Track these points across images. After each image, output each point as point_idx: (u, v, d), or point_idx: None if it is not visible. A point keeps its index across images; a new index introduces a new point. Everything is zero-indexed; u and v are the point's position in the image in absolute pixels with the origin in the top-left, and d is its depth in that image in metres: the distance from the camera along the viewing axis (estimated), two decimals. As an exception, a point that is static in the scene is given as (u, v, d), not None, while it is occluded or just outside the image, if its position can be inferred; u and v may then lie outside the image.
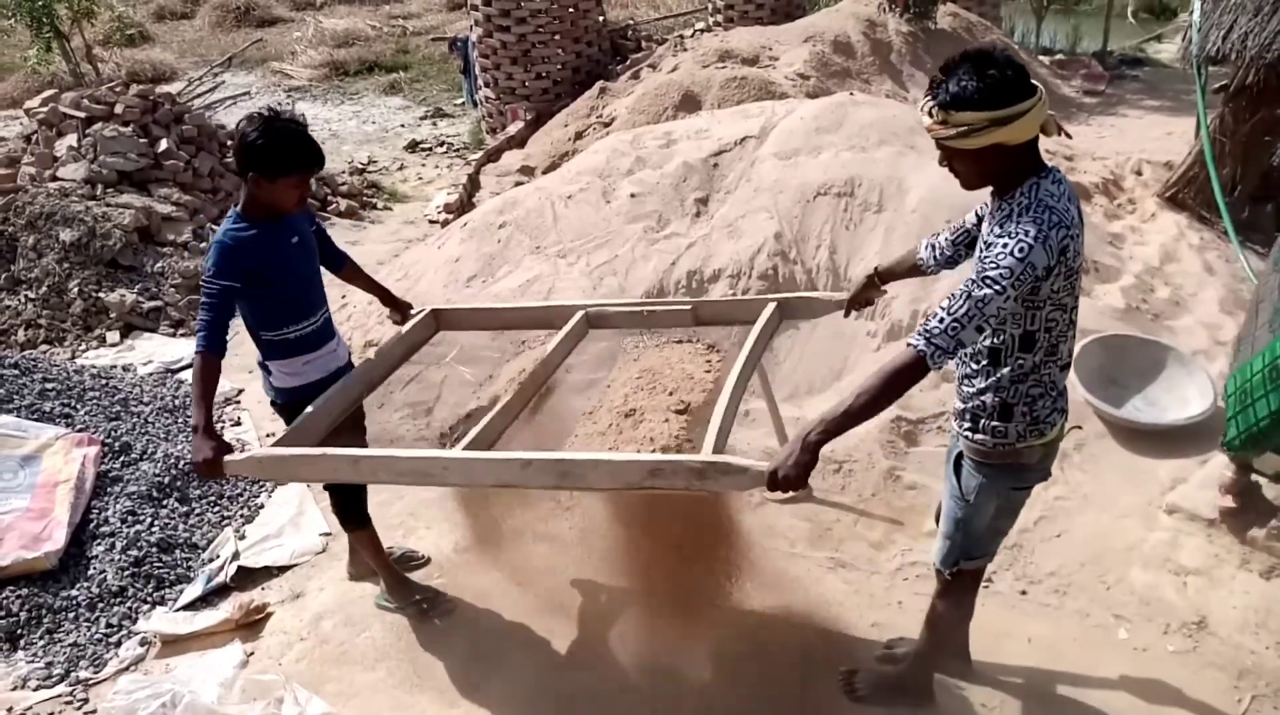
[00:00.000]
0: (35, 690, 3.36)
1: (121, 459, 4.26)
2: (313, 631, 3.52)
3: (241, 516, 4.18)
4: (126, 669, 3.45)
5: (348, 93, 12.81)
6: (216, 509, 4.20)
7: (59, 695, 3.34)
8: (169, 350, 5.80)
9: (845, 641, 3.32)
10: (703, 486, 2.52)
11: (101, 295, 6.13)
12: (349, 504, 3.40)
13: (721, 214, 5.26)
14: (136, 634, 3.59)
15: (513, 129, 9.46)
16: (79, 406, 4.60)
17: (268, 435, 4.80)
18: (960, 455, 2.60)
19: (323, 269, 3.28)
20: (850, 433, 2.41)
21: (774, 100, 7.11)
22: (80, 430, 4.30)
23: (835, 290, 4.85)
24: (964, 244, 2.71)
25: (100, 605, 3.66)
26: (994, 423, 2.45)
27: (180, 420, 4.83)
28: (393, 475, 2.90)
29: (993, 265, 2.18)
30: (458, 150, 10.17)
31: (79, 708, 3.30)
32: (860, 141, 5.38)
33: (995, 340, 2.38)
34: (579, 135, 8.52)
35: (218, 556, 3.92)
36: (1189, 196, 5.90)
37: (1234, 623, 3.26)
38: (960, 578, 2.75)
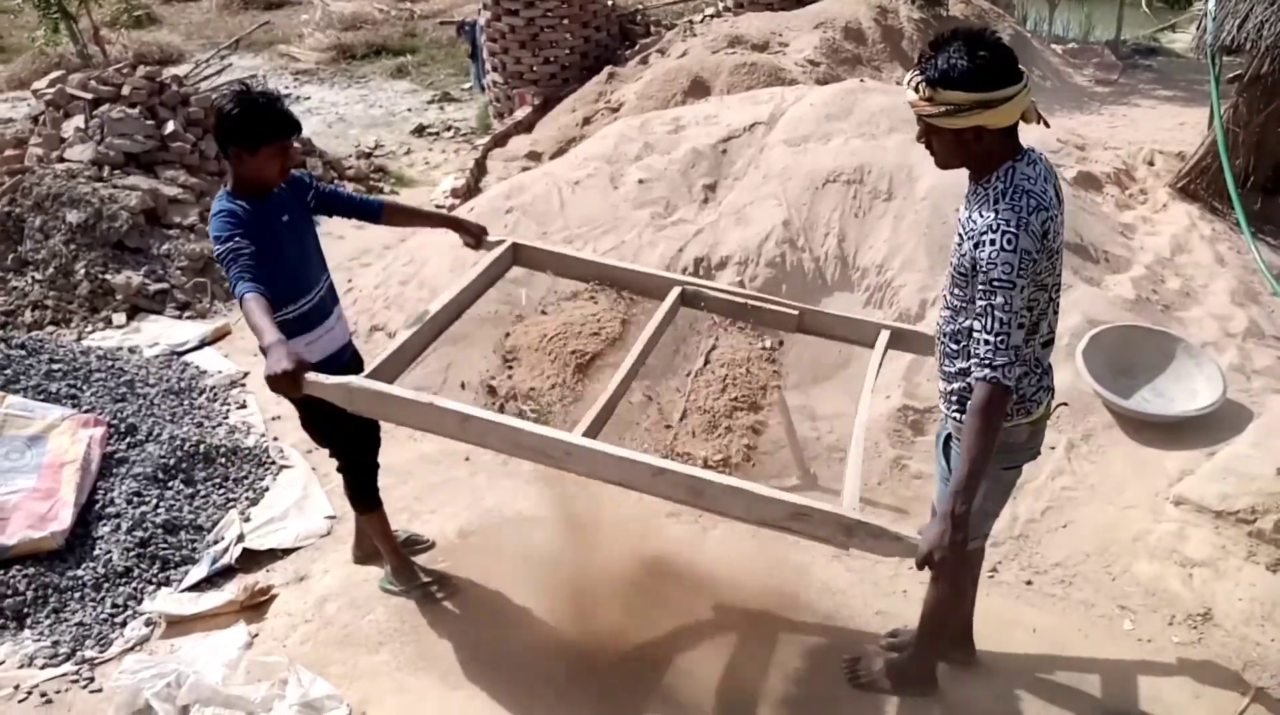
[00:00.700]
0: (42, 668, 3.37)
1: (127, 440, 4.27)
2: (317, 614, 3.53)
3: (247, 499, 4.19)
4: (132, 649, 3.46)
5: (355, 76, 12.77)
6: (222, 491, 4.21)
7: (65, 674, 3.36)
8: (175, 332, 5.80)
9: (850, 629, 3.33)
10: (847, 543, 2.44)
11: (108, 277, 6.13)
12: (362, 487, 3.40)
13: (730, 201, 5.24)
14: (142, 614, 3.60)
15: (520, 114, 9.42)
16: (85, 388, 4.60)
17: (274, 418, 4.81)
18: (949, 437, 2.61)
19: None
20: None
21: (784, 86, 7.07)
22: (86, 411, 4.31)
23: (843, 278, 4.83)
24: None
25: (106, 585, 3.67)
26: None
27: (186, 402, 4.84)
28: (506, 446, 2.66)
29: (991, 267, 2.21)
30: (465, 135, 10.14)
31: (85, 686, 3.31)
32: (870, 129, 5.35)
33: (972, 320, 2.37)
34: (587, 121, 8.48)
35: (223, 538, 3.93)
36: (1201, 187, 5.86)
37: (1240, 615, 3.26)
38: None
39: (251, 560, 3.85)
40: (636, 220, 5.24)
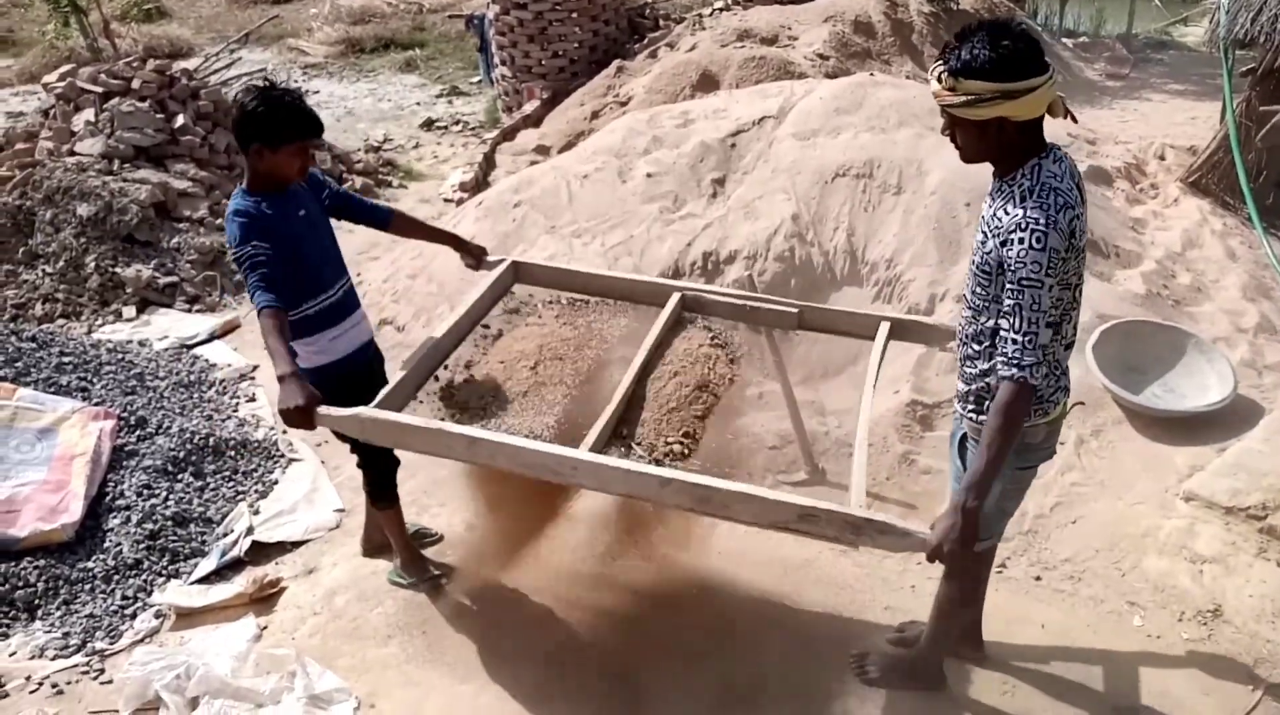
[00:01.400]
0: (53, 659, 3.39)
1: (137, 433, 4.28)
2: (326, 606, 3.54)
3: (256, 492, 4.20)
4: (141, 640, 3.48)
5: (364, 70, 12.77)
6: (231, 484, 4.22)
7: (75, 665, 3.38)
8: (185, 326, 5.82)
9: (857, 624, 3.32)
10: (854, 541, 2.46)
11: (118, 270, 6.15)
12: (382, 481, 3.41)
13: (738, 195, 5.23)
14: (151, 606, 3.62)
15: (529, 108, 9.41)
16: (95, 380, 4.62)
17: (282, 411, 4.81)
18: (965, 436, 2.60)
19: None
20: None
21: (793, 80, 7.05)
22: (97, 404, 4.32)
23: (852, 273, 4.82)
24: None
25: (116, 577, 3.69)
26: None
27: (196, 395, 4.85)
28: (514, 464, 2.72)
29: (1020, 265, 2.18)
30: (473, 129, 10.13)
31: (95, 677, 3.33)
32: (880, 123, 5.33)
33: (996, 320, 2.36)
34: (595, 114, 8.46)
35: (232, 531, 3.94)
36: (1212, 182, 5.83)
37: (1250, 611, 3.24)
38: (967, 559, 2.74)
39: (260, 553, 3.87)
40: (645, 214, 5.24)
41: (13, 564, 3.63)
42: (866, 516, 2.42)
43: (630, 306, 3.56)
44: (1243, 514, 3.49)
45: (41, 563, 3.66)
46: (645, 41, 9.79)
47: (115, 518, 3.88)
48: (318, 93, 11.70)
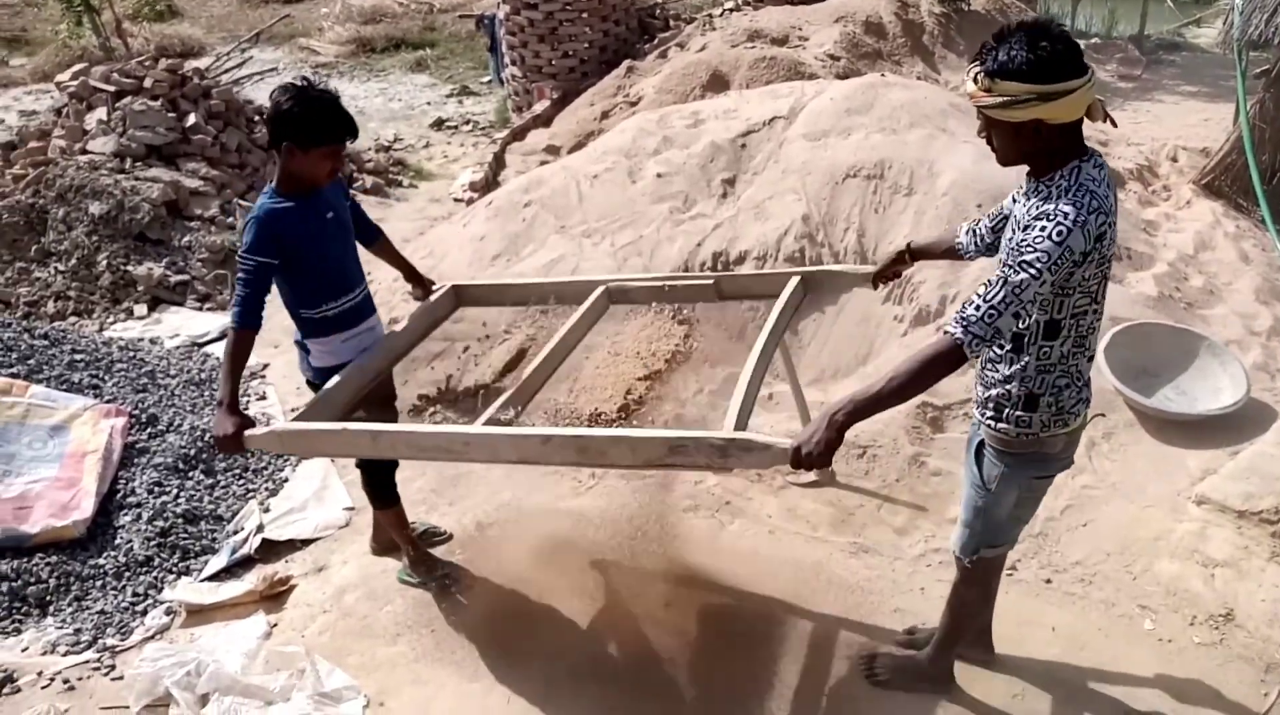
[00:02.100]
0: (64, 655, 3.41)
1: (148, 430, 4.30)
2: (335, 604, 3.55)
3: (266, 490, 4.21)
4: (152, 637, 3.49)
5: (374, 69, 12.80)
6: (241, 482, 4.24)
7: (87, 661, 3.39)
8: (196, 324, 5.85)
9: (867, 626, 3.31)
10: (724, 464, 2.50)
11: (129, 268, 6.17)
12: (379, 482, 3.42)
13: (749, 195, 5.22)
14: (162, 603, 3.63)
15: (539, 107, 9.41)
16: (107, 378, 4.64)
17: (292, 409, 4.83)
18: (982, 443, 2.57)
19: (379, 222, 3.30)
20: (876, 417, 2.37)
21: (803, 81, 7.03)
22: (108, 401, 4.34)
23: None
24: (1004, 230, 2.66)
25: (127, 574, 3.71)
26: (1018, 412, 2.42)
27: (206, 393, 4.87)
28: (414, 451, 2.88)
29: (1029, 248, 2.12)
30: (484, 128, 10.15)
31: (106, 673, 3.34)
32: (891, 123, 5.31)
33: (1019, 326, 2.32)
34: (605, 114, 8.46)
35: (242, 529, 3.95)
36: (1226, 184, 5.80)
37: (1262, 615, 3.22)
38: (981, 565, 2.73)
39: (271, 551, 3.88)
40: (655, 214, 5.24)
41: (25, 560, 3.66)
42: (730, 437, 2.46)
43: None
44: (1255, 518, 3.47)
45: (53, 559, 3.68)
46: (655, 42, 9.79)
47: (126, 515, 3.90)
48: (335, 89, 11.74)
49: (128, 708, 3.16)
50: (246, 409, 4.83)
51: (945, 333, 2.19)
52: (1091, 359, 2.44)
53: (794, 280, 3.37)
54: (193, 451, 4.23)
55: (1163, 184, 6.01)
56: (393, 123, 10.45)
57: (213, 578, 3.74)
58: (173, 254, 6.39)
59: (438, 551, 3.72)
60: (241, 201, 6.94)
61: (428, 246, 5.93)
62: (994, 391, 2.45)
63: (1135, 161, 6.11)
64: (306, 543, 3.94)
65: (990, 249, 2.70)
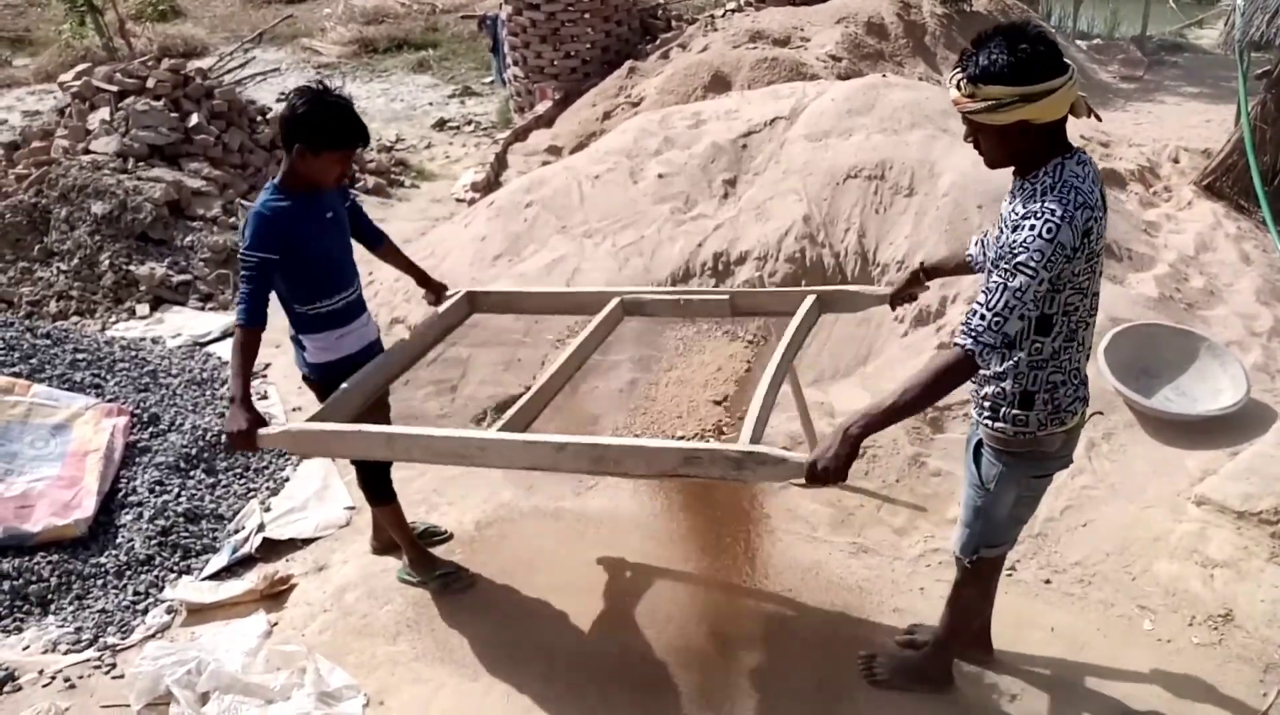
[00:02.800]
0: (65, 654, 3.42)
1: (150, 430, 4.31)
2: (336, 603, 3.56)
3: (267, 489, 4.22)
4: (153, 636, 3.50)
5: (376, 70, 12.82)
6: (243, 481, 4.24)
7: (88, 659, 3.40)
8: (198, 323, 5.86)
9: (866, 626, 3.31)
10: (739, 477, 2.49)
11: (132, 268, 6.19)
12: (375, 480, 3.43)
13: (750, 196, 5.23)
14: (163, 602, 3.64)
15: (541, 108, 9.42)
16: (109, 377, 4.65)
17: (294, 409, 4.85)
18: (980, 443, 2.58)
19: (357, 246, 3.31)
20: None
21: (805, 81, 7.04)
22: (110, 401, 4.35)
23: (863, 275, 4.82)
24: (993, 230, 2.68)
25: (128, 573, 3.71)
26: (1015, 411, 2.43)
27: (208, 392, 4.88)
28: (428, 455, 2.88)
29: (1022, 250, 2.14)
30: (485, 129, 10.16)
31: (107, 672, 3.35)
32: (892, 124, 5.32)
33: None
34: (607, 115, 8.48)
35: (243, 528, 3.96)
36: (1227, 185, 5.80)
37: (1261, 616, 3.22)
38: (980, 565, 2.74)
39: (271, 550, 3.89)
40: (656, 215, 5.24)
41: (26, 559, 3.66)
42: (746, 450, 2.46)
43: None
44: (1255, 518, 3.47)
45: (55, 558, 3.69)
46: (657, 42, 9.80)
47: (128, 514, 3.91)
48: (350, 95, 11.77)
49: (128, 706, 3.16)
50: (251, 408, 4.84)
51: (955, 345, 2.21)
52: (1088, 356, 2.44)
53: (810, 299, 3.34)
54: (194, 451, 4.24)
55: (1164, 185, 6.01)
56: (395, 123, 10.46)
57: (213, 576, 3.75)
58: (175, 254, 6.41)
59: (438, 551, 3.73)
60: (244, 202, 6.95)
61: (429, 246, 5.95)
62: (989, 389, 2.47)
63: (1136, 162, 6.11)
64: (307, 542, 3.94)
65: None
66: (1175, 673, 3.07)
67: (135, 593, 3.65)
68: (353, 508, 4.10)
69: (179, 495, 4.02)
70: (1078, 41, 11.25)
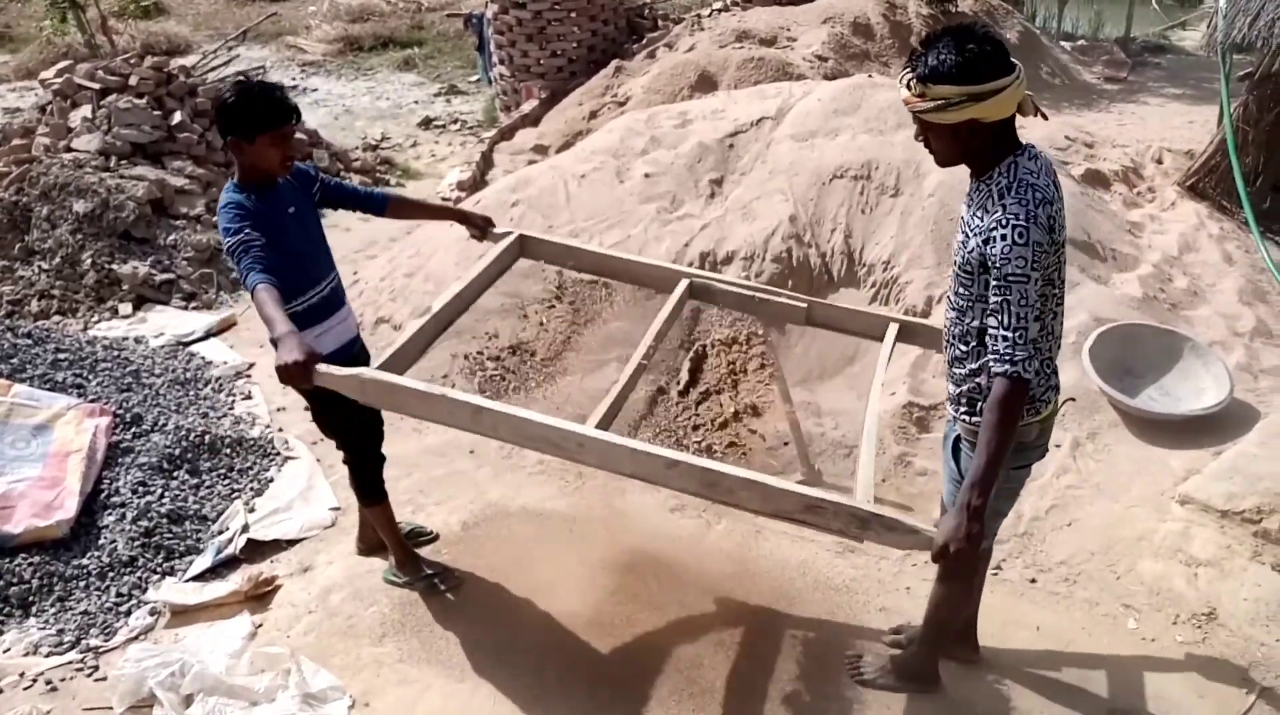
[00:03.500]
0: (47, 656, 3.38)
1: (133, 430, 4.27)
2: (321, 605, 3.54)
3: (251, 489, 4.19)
4: (136, 638, 3.47)
5: (362, 68, 12.76)
6: (226, 482, 4.21)
7: (70, 662, 3.37)
8: (181, 323, 5.81)
9: (853, 625, 3.32)
10: (861, 536, 2.43)
11: (114, 267, 6.14)
12: (368, 479, 3.40)
13: (736, 195, 5.23)
14: (146, 603, 3.61)
15: (527, 107, 9.41)
16: (91, 377, 4.61)
17: (279, 409, 4.81)
18: (959, 439, 2.60)
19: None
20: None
21: (791, 81, 7.05)
22: (92, 401, 4.31)
23: (849, 275, 4.83)
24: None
25: (111, 574, 3.68)
26: None
27: (191, 392, 4.85)
28: (516, 436, 2.68)
29: (1004, 261, 2.20)
30: (471, 128, 10.13)
31: (89, 674, 3.32)
32: (878, 124, 5.33)
33: (981, 320, 2.37)
34: (594, 114, 8.47)
35: (227, 529, 3.93)
36: (1210, 185, 5.84)
37: (1244, 615, 3.25)
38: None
39: (256, 551, 3.86)
40: (642, 214, 5.24)
41: (7, 560, 3.62)
42: (874, 511, 2.41)
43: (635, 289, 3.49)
44: (1238, 517, 3.50)
45: (36, 559, 3.65)
46: (644, 42, 9.80)
47: (110, 515, 3.87)
48: (316, 90, 11.70)
49: (111, 709, 3.14)
50: (232, 408, 4.81)
51: (999, 377, 2.25)
52: (1059, 345, 2.49)
53: (893, 328, 3.31)
54: (177, 451, 4.21)
55: (1147, 186, 6.04)
56: (380, 121, 10.42)
57: (197, 578, 3.72)
58: (158, 253, 6.36)
59: (424, 552, 3.71)
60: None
61: (415, 246, 5.93)
62: (965, 387, 2.50)
63: (1120, 163, 6.14)
64: (292, 543, 3.92)
65: None
66: (1159, 671, 3.09)
67: (118, 594, 3.62)
68: (338, 508, 4.08)
69: (162, 496, 3.99)
70: (1062, 43, 11.31)
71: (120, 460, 4.11)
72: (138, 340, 5.49)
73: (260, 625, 3.47)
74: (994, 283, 2.24)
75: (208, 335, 5.67)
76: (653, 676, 3.12)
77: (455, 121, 10.36)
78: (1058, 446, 3.88)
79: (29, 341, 4.68)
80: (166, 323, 5.83)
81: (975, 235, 2.31)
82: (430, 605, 3.48)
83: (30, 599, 3.57)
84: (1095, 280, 4.65)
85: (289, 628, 3.44)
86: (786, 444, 4.15)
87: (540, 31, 9.57)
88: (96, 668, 3.35)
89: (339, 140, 9.10)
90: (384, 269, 5.93)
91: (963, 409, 2.53)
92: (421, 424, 3.89)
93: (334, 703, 3.10)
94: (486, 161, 8.31)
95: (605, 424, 2.71)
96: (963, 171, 2.43)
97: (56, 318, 5.89)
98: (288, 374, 2.61)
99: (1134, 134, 7.95)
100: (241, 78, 2.95)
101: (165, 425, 4.34)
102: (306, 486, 4.20)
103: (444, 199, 7.94)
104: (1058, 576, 3.50)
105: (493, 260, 3.44)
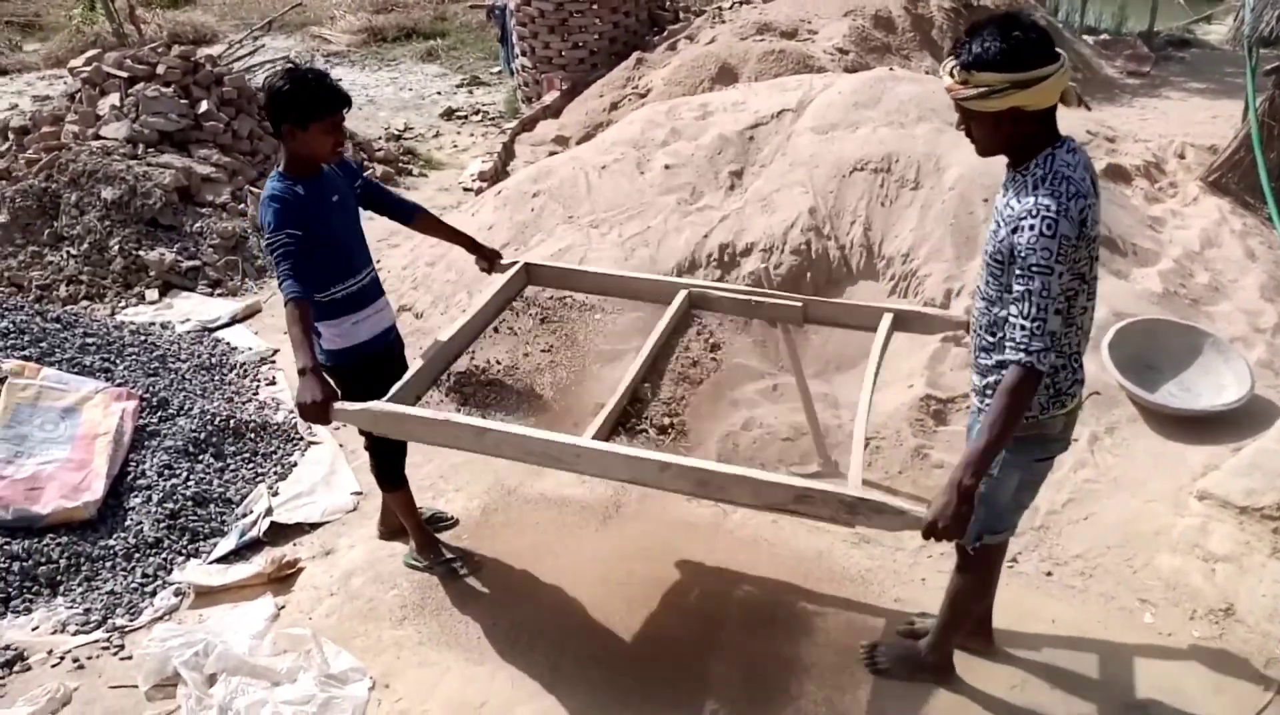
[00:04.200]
0: (74, 635, 3.45)
1: (159, 414, 4.34)
2: (342, 587, 3.59)
3: (275, 474, 4.25)
4: (161, 618, 3.54)
5: (385, 59, 12.82)
6: (250, 466, 4.28)
7: (96, 641, 3.44)
8: (207, 309, 5.89)
9: (868, 616, 3.34)
10: (851, 521, 2.49)
11: (141, 253, 6.22)
12: (389, 465, 3.46)
13: (756, 187, 5.24)
14: (171, 584, 3.68)
15: (548, 98, 9.42)
16: (118, 362, 4.68)
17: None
18: None
19: (394, 225, 3.31)
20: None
21: (812, 74, 7.03)
22: (119, 385, 4.38)
23: (868, 268, 4.83)
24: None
25: (136, 555, 3.75)
26: None
27: (217, 377, 4.91)
28: (519, 453, 2.82)
29: (1030, 252, 2.20)
30: (493, 119, 10.16)
31: (115, 653, 3.39)
32: (899, 117, 5.32)
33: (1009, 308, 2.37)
34: (614, 106, 8.48)
35: (251, 512, 3.99)
36: (1233, 181, 5.79)
37: (1262, 611, 3.24)
38: (983, 552, 2.76)
39: (279, 534, 3.92)
40: (662, 206, 5.25)
41: (36, 540, 3.70)
42: (861, 496, 2.46)
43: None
44: (1257, 514, 3.48)
45: (64, 540, 3.72)
46: (665, 34, 9.79)
47: (136, 497, 3.94)
48: (339, 80, 11.74)
49: (136, 687, 3.20)
50: (256, 393, 4.88)
51: (1013, 365, 2.25)
52: (1085, 338, 2.48)
53: (887, 317, 3.36)
54: (203, 435, 4.27)
55: (1169, 180, 6.00)
56: (403, 112, 10.47)
57: (221, 560, 3.78)
58: (184, 240, 6.44)
59: (444, 536, 3.76)
60: (253, 188, 6.98)
61: (436, 235, 5.96)
62: (990, 377, 2.50)
63: (1142, 157, 6.09)
64: (314, 526, 3.98)
65: None
66: (1176, 666, 3.09)
67: (144, 575, 3.69)
68: (360, 493, 4.13)
69: (187, 479, 4.06)
70: (1085, 36, 11.22)
71: (147, 443, 4.17)
72: (164, 326, 5.57)
73: (283, 607, 3.53)
74: (1018, 271, 2.24)
75: (233, 321, 5.74)
76: (668, 662, 3.15)
77: (477, 112, 10.40)
78: (1075, 440, 3.86)
79: (58, 326, 4.76)
80: (192, 309, 5.90)
81: (1006, 224, 2.30)
82: (450, 589, 3.53)
83: (58, 578, 3.64)
84: (1116, 275, 4.63)
85: (311, 609, 3.50)
86: (805, 435, 4.16)
87: (562, 23, 9.59)
88: (122, 646, 3.41)
89: (363, 130, 9.15)
90: (406, 258, 5.97)
91: (987, 400, 2.53)
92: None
93: (355, 684, 3.15)
94: (508, 152, 8.34)
95: (604, 435, 2.83)
96: (984, 164, 2.44)
97: (84, 303, 5.98)
98: (306, 411, 2.83)
99: (1156, 128, 7.89)
100: (291, 64, 3.00)
101: (191, 409, 4.41)
102: (329, 471, 4.26)
103: (465, 189, 7.99)
104: (1074, 570, 3.50)
105: (499, 290, 3.57)
